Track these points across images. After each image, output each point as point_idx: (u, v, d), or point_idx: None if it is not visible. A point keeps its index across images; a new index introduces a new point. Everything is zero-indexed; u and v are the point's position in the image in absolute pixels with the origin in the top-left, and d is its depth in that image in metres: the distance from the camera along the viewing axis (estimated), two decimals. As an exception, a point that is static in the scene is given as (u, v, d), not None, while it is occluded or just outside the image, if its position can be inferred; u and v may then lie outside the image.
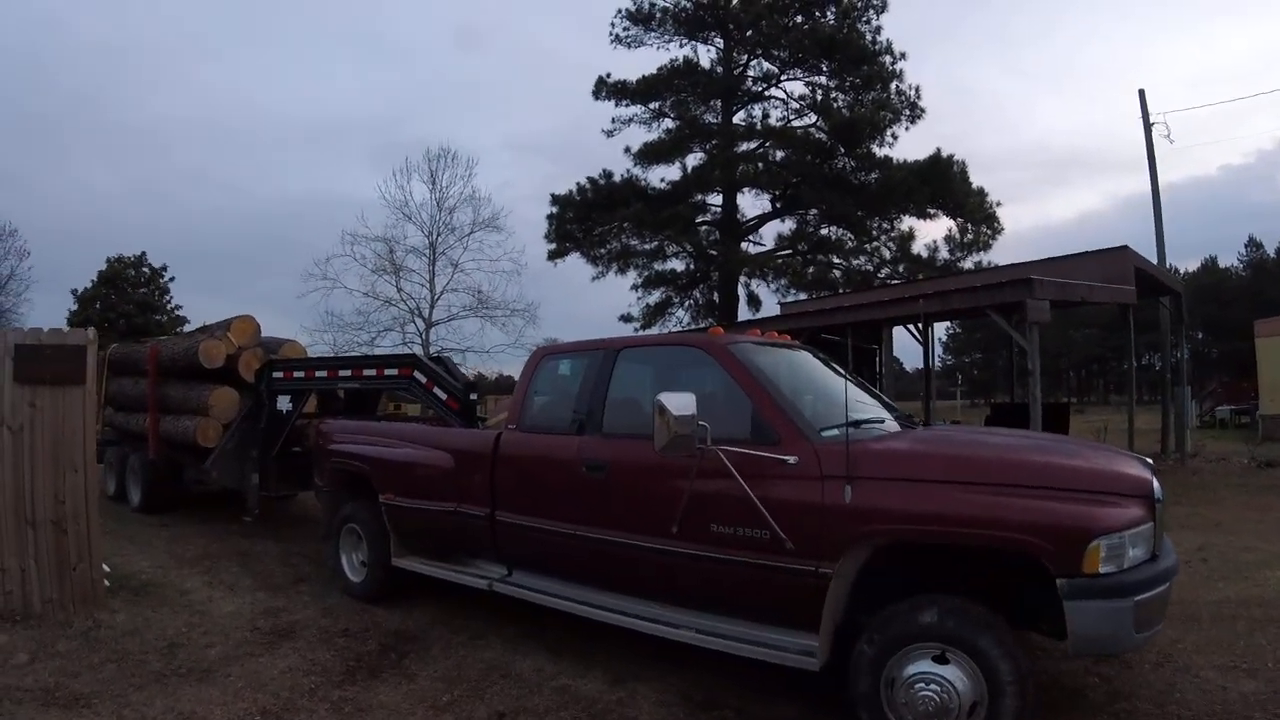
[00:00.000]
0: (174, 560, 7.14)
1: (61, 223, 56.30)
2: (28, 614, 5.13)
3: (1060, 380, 74.73)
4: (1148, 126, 20.80)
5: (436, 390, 6.20)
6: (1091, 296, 12.80)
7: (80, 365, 5.34)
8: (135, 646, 4.82)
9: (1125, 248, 14.15)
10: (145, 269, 34.94)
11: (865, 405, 4.46)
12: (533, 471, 4.80)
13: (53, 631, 4.95)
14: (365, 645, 4.93)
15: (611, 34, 26.76)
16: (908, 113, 24.57)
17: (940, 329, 29.90)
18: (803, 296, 23.99)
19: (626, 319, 26.85)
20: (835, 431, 3.74)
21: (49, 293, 46.32)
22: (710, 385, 4.33)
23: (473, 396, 6.16)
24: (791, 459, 3.63)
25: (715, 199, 26.67)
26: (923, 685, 3.20)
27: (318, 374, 7.45)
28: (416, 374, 6.41)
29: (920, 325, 16.19)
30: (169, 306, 34.95)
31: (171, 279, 35.58)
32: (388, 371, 6.71)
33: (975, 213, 24.45)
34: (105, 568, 5.79)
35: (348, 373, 7.10)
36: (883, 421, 4.37)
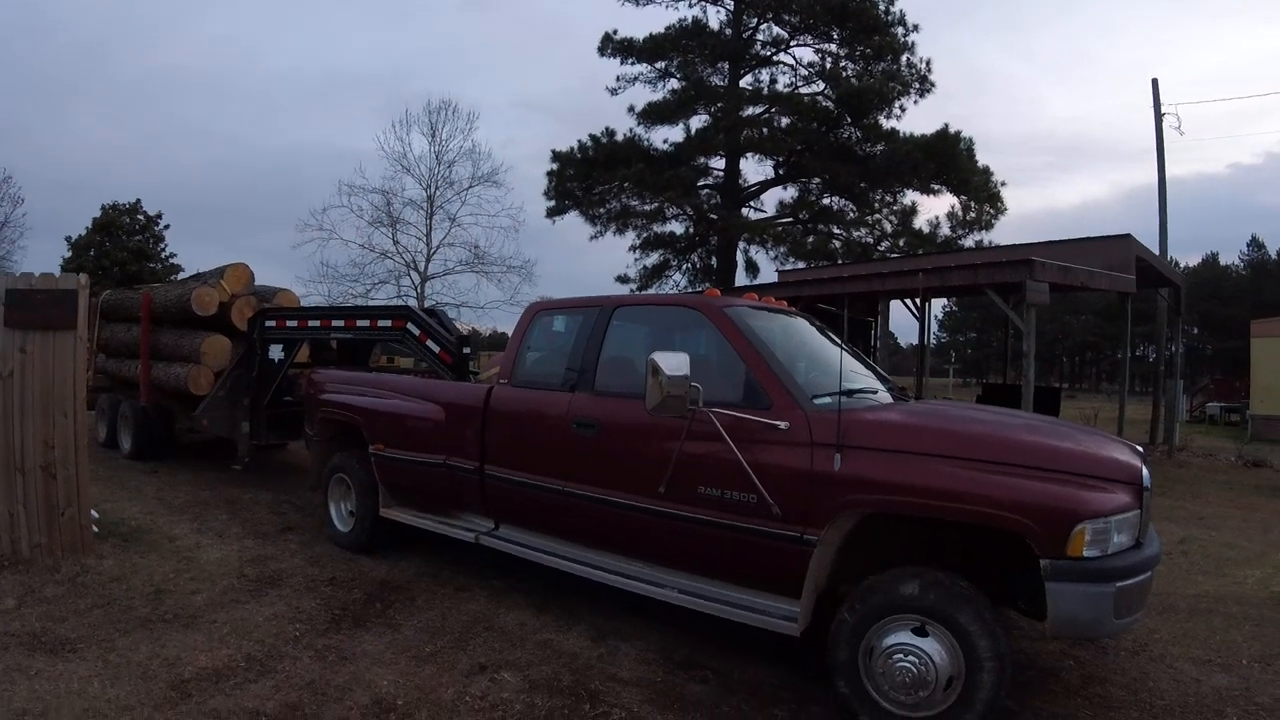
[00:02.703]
0: (163, 507, 7.15)
1: (60, 173, 55.93)
2: (15, 559, 5.13)
3: (1053, 365, 74.93)
4: (1158, 116, 20.61)
5: (429, 343, 6.18)
6: (1091, 282, 12.72)
7: (71, 310, 5.27)
8: (122, 592, 4.83)
9: (1128, 236, 14.05)
10: (140, 216, 34.58)
11: (859, 375, 4.45)
12: (523, 427, 4.80)
13: (40, 577, 4.96)
14: (351, 594, 4.96)
15: (621, -10, 26.12)
16: (917, 86, 24.15)
17: (937, 306, 29.77)
18: (801, 265, 23.82)
19: (623, 280, 26.72)
20: (828, 400, 3.75)
21: (45, 240, 46.04)
22: (704, 347, 4.34)
23: (466, 350, 6.14)
24: (783, 424, 3.62)
25: (718, 163, 26.31)
26: (901, 656, 3.22)
27: (310, 324, 7.39)
28: (409, 326, 6.37)
29: (918, 300, 16.15)
30: (163, 255, 34.66)
31: (166, 227, 35.26)
32: (381, 323, 6.67)
33: (979, 191, 24.11)
34: (94, 514, 5.79)
35: (341, 323, 7.05)
36: (876, 393, 4.37)
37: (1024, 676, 4.02)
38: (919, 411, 3.94)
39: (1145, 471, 3.39)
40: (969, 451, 3.33)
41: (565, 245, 61.02)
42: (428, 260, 24.99)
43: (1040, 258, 11.21)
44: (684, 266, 27.01)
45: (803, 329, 4.94)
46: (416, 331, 6.28)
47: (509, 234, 25.90)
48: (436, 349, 6.12)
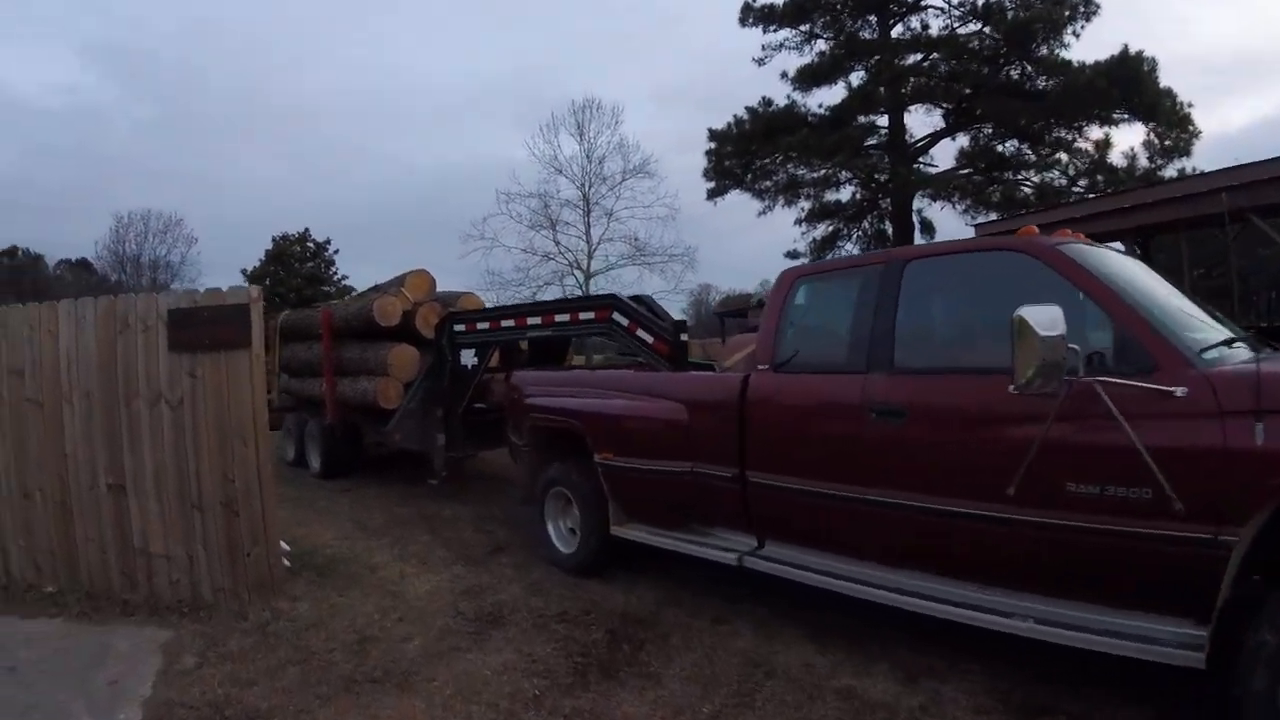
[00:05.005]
0: (359, 530, 6.68)
1: (229, 211, 60.29)
2: (197, 605, 4.62)
3: (1248, 305, 66.48)
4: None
5: (641, 333, 5.35)
6: None
7: (244, 326, 4.67)
8: (320, 642, 4.17)
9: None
10: (310, 244, 36.26)
11: (1217, 323, 3.56)
12: (797, 421, 3.91)
13: (225, 625, 4.40)
14: (589, 634, 4.17)
15: (751, -44, 25.07)
16: (1082, 8, 21.61)
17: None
18: (993, 217, 21.73)
19: (793, 255, 25.63)
20: (1214, 353, 2.99)
21: (223, 277, 49.49)
22: (1037, 301, 3.28)
23: (683, 337, 5.27)
24: (1179, 390, 2.75)
25: (881, 121, 24.68)
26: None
27: (503, 324, 6.76)
28: (616, 316, 5.56)
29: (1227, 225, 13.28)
30: (335, 278, 36.15)
31: (336, 251, 36.76)
32: (583, 316, 5.91)
33: (1169, 116, 21.40)
34: (285, 546, 5.27)
35: (537, 320, 6.36)
36: (1242, 343, 3.40)
37: None
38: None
39: None
40: None
41: (725, 228, 60.70)
42: (589, 258, 25.69)
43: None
44: (854, 235, 25.62)
45: (1137, 269, 3.83)
46: (625, 321, 5.47)
47: (666, 223, 25.72)
48: (649, 338, 5.29)
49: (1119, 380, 2.80)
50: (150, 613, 4.61)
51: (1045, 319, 2.72)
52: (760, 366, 4.06)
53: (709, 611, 4.39)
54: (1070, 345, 2.75)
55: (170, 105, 65.12)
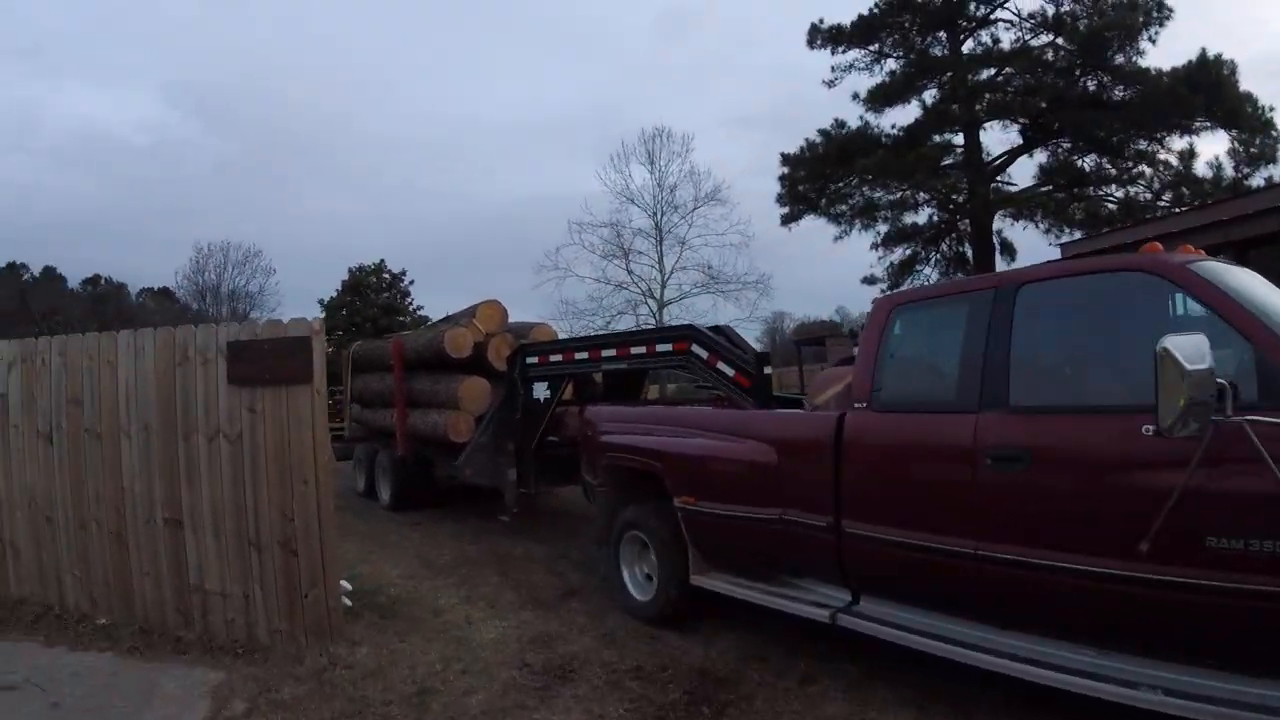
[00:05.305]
0: (425, 568, 6.50)
1: (307, 243, 62.39)
2: (251, 646, 4.44)
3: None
4: None
5: (721, 366, 5.06)
6: None
7: (305, 360, 4.47)
8: (378, 693, 3.95)
9: None
10: (386, 275, 36.96)
11: None
12: (901, 466, 3.57)
13: (279, 670, 4.20)
14: (667, 693, 3.85)
15: (816, -23, 24.94)
16: (1155, 14, 20.86)
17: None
18: (1077, 235, 20.78)
19: (870, 281, 25.23)
20: None
21: (300, 307, 51.14)
22: (1165, 327, 2.90)
23: (766, 370, 4.96)
24: None
25: (957, 139, 24.09)
26: None
27: (577, 356, 6.55)
28: (694, 348, 5.28)
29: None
30: (411, 308, 36.70)
31: (411, 282, 37.23)
32: (659, 348, 5.64)
33: (1252, 121, 20.36)
34: (346, 585, 5.07)
35: (612, 352, 6.14)
36: None
37: None
38: None
39: None
40: None
41: (798, 254, 60.64)
42: (663, 286, 25.92)
43: None
44: (933, 258, 24.98)
45: (1271, 289, 3.41)
46: (704, 354, 5.18)
47: (739, 250, 25.79)
48: (730, 372, 4.99)
49: (1270, 419, 2.45)
50: (203, 651, 4.47)
51: (1191, 351, 2.39)
52: (857, 405, 3.72)
53: (797, 670, 4.03)
54: (1222, 379, 2.44)
55: (249, 141, 68.01)
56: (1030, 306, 3.29)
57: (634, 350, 5.93)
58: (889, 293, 4.25)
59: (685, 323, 6.95)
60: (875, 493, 3.60)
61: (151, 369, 4.79)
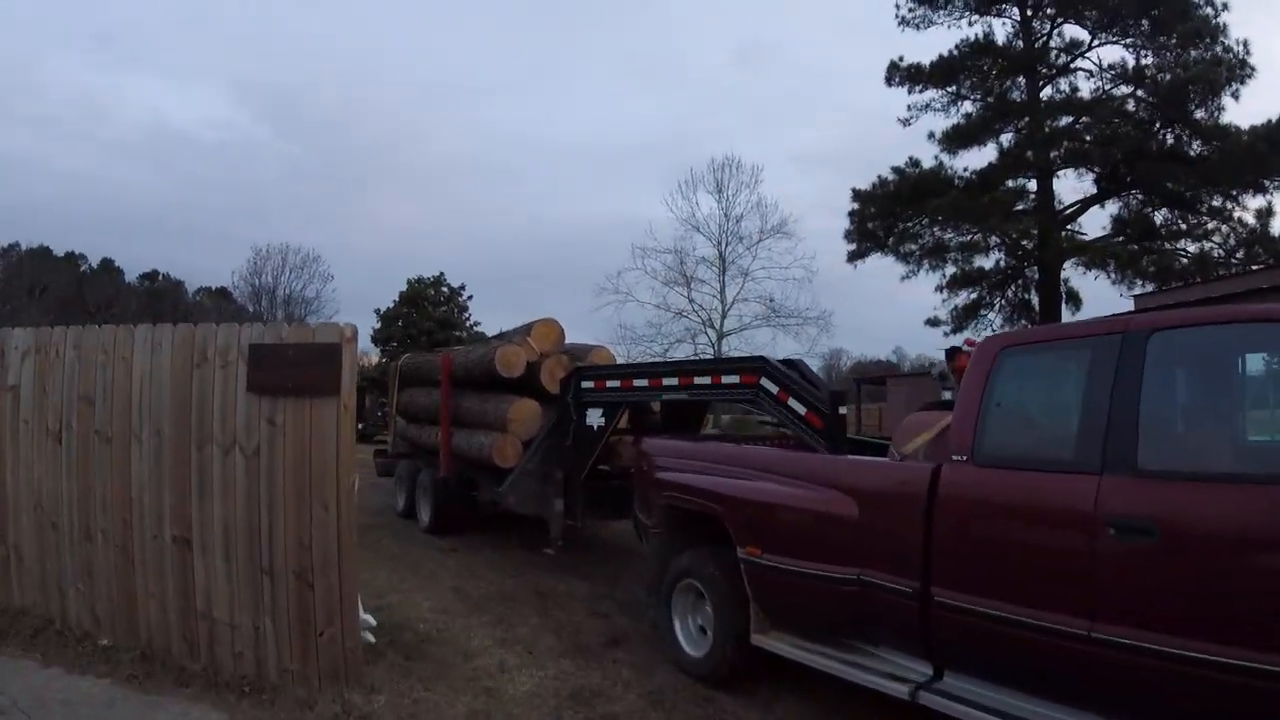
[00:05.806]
0: (459, 601, 6.11)
1: (366, 253, 63.85)
2: (259, 684, 4.03)
3: None
4: None
5: (792, 402, 4.69)
6: None
7: (333, 370, 4.01)
8: None
9: None
10: (444, 288, 37.14)
11: None
12: (1004, 529, 3.19)
13: (287, 713, 3.82)
14: (720, 768, 3.43)
15: (897, 16, 24.63)
16: (1239, 70, 20.49)
17: None
18: (1149, 288, 20.29)
19: (933, 323, 24.79)
20: None
21: (357, 315, 51.90)
22: None
23: (841, 410, 4.58)
24: None
25: (1030, 185, 23.65)
26: None
27: (636, 383, 6.21)
28: (764, 381, 4.92)
29: None
30: (468, 323, 36.81)
31: (470, 297, 37.30)
32: (726, 379, 5.28)
33: None
34: (370, 619, 4.61)
35: (674, 381, 5.78)
36: None
37: None
38: None
39: None
40: None
41: (859, 292, 60.77)
42: (723, 316, 25.70)
43: None
44: (997, 304, 24.46)
45: None
46: (774, 389, 4.81)
47: (803, 285, 25.53)
48: (802, 410, 4.61)
49: None
50: (207, 685, 4.08)
51: None
52: (956, 457, 3.31)
53: (864, 744, 3.61)
54: None
55: (316, 146, 69.92)
56: (1161, 356, 2.90)
57: (698, 380, 5.56)
58: (998, 332, 3.83)
59: (756, 354, 6.53)
60: (971, 557, 3.20)
61: (167, 368, 4.39)
